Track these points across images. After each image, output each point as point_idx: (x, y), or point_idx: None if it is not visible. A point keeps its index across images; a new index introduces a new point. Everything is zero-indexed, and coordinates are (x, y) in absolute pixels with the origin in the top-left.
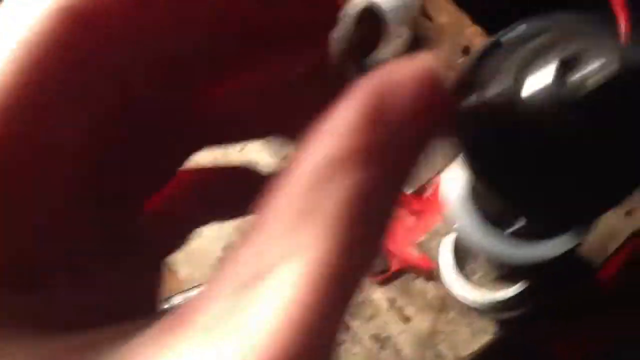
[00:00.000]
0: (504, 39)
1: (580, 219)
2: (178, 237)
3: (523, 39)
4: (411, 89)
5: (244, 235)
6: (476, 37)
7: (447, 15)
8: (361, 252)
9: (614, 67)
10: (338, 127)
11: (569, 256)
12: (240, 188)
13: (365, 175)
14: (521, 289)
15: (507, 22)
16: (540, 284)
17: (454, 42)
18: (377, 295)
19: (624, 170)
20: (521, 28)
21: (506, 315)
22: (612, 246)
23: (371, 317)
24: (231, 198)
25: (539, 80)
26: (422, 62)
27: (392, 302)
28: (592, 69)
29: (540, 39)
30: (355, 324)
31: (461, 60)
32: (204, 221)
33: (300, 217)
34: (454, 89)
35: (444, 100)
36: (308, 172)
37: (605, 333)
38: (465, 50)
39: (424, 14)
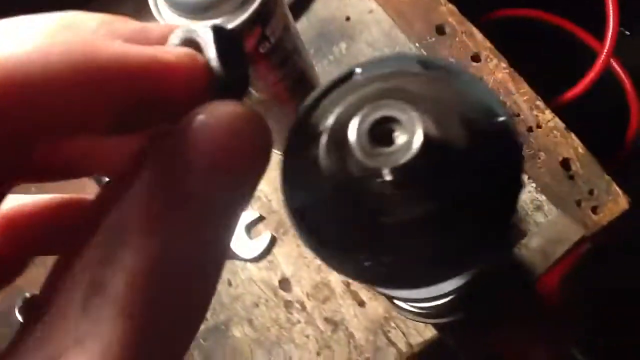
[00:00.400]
0: (358, 70)
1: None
2: (8, 270)
3: (369, 80)
4: (203, 153)
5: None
6: (450, 16)
7: None
8: (157, 330)
9: (416, 146)
10: (126, 193)
11: (502, 269)
12: (68, 220)
13: (149, 248)
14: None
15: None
16: (471, 294)
17: (428, 19)
18: (332, 277)
19: (440, 239)
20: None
21: (439, 320)
22: (559, 251)
23: (325, 300)
24: (60, 230)
25: (352, 139)
26: (222, 122)
27: (347, 285)
28: (399, 145)
29: (373, 88)
30: (310, 306)
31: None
32: (35, 253)
33: (90, 295)
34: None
35: (246, 162)
36: (97, 243)
37: (546, 344)
38: (439, 29)
39: None
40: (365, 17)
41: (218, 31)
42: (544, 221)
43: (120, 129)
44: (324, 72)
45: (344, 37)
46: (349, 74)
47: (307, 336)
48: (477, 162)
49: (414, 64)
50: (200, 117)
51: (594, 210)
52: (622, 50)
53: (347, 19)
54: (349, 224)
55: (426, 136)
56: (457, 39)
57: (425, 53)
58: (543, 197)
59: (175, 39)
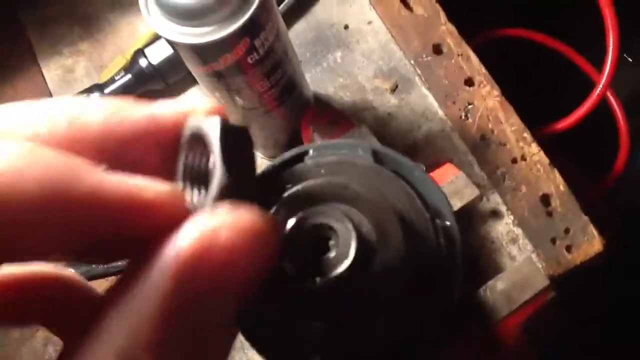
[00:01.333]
0: (311, 153)
1: None
2: None
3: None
4: (221, 282)
5: None
6: (449, 36)
7: (424, 8)
8: None
9: (348, 262)
10: (134, 313)
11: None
12: (50, 297)
13: None
14: None
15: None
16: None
17: (426, 37)
18: None
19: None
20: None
21: None
22: (524, 296)
23: None
24: (36, 305)
25: (286, 243)
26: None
27: None
28: (333, 259)
29: (318, 182)
30: None
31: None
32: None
33: None
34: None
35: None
36: None
37: None
38: (436, 48)
39: (405, 3)
40: (364, 28)
41: (224, 131)
42: (517, 254)
43: (95, 255)
44: (317, 79)
45: (340, 45)
46: (302, 154)
47: None
48: (414, 272)
49: (367, 154)
50: (196, 243)
51: (568, 249)
52: (622, 77)
53: (346, 27)
54: (281, 324)
55: (360, 248)
56: (452, 61)
57: (419, 71)
58: (519, 231)
59: (186, 133)
